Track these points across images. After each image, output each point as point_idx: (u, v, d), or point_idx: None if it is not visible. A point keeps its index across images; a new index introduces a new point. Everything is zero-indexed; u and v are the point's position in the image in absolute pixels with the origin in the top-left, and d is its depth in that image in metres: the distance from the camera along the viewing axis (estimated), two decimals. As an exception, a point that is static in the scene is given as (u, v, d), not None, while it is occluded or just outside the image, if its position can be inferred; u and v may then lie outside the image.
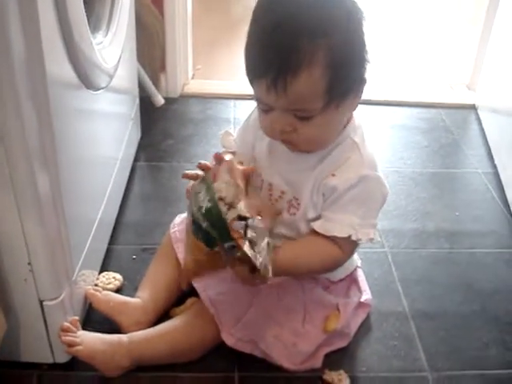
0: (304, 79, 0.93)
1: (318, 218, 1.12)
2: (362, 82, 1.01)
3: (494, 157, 1.98)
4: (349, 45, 0.96)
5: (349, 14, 0.95)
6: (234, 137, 1.26)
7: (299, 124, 1.00)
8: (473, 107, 2.33)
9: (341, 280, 1.27)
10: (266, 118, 1.03)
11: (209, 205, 0.99)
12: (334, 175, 1.08)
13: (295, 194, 1.13)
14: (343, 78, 0.97)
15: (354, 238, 1.07)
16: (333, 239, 1.08)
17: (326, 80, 0.94)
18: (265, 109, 1.02)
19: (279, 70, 0.93)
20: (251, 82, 1.00)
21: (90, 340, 1.14)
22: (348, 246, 1.10)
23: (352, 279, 1.30)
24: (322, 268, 1.14)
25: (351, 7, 0.96)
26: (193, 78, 2.41)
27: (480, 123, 2.21)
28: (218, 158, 1.09)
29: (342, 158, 1.08)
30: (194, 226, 1.01)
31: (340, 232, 1.07)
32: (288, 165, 1.13)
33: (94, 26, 1.27)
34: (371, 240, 1.10)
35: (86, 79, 1.14)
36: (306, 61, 0.92)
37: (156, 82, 2.19)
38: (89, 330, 1.17)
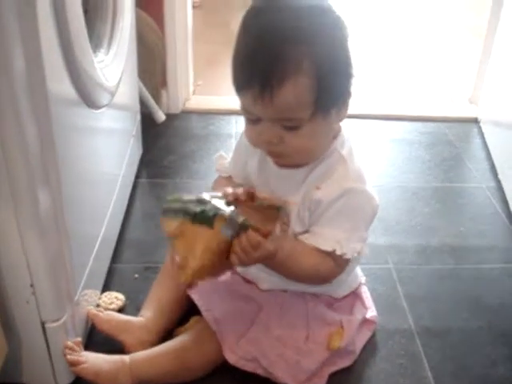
0: (290, 88, 0.94)
1: (305, 232, 1.11)
2: (348, 94, 1.03)
3: (498, 171, 1.97)
4: (333, 56, 0.97)
5: (333, 27, 0.98)
6: (228, 159, 1.26)
7: (286, 135, 1.00)
8: (475, 121, 2.32)
9: (345, 297, 1.26)
10: (253, 128, 1.03)
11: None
12: (318, 188, 1.08)
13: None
14: (329, 88, 0.97)
15: (338, 252, 1.06)
16: (324, 251, 1.07)
17: (312, 89, 0.95)
18: (252, 119, 1.02)
19: (265, 80, 0.94)
20: (238, 92, 1.00)
21: (94, 359, 1.13)
22: (338, 259, 1.08)
23: (356, 296, 1.28)
24: (313, 274, 1.10)
25: (336, 21, 0.99)
26: (194, 93, 2.41)
27: (483, 137, 2.21)
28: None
29: (328, 172, 1.08)
30: (191, 215, 0.98)
31: (323, 245, 1.06)
32: (278, 182, 1.13)
33: (96, 45, 1.27)
34: (359, 254, 1.09)
35: (87, 98, 1.14)
36: (292, 70, 0.93)
37: (157, 98, 2.19)
38: (91, 351, 1.16)
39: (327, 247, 1.06)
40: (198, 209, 0.98)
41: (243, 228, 0.97)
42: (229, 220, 0.97)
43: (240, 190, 1.04)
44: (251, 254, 0.98)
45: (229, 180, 1.24)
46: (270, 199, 1.05)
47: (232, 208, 0.99)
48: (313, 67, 0.94)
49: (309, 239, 1.08)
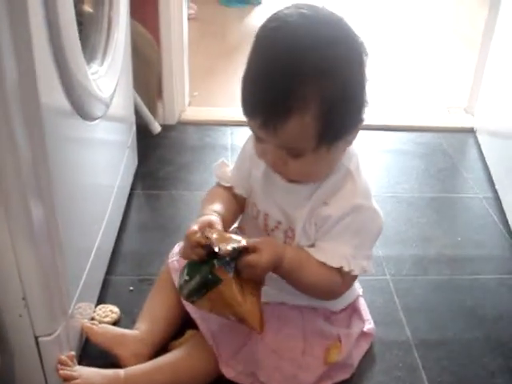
0: (294, 125, 0.92)
1: (311, 246, 1.10)
2: (359, 123, 1.00)
3: (495, 181, 1.96)
4: (345, 90, 0.94)
5: (350, 56, 0.94)
6: (230, 167, 1.24)
7: (290, 160, 0.99)
8: (471, 131, 2.32)
9: (342, 310, 1.25)
10: (260, 147, 1.02)
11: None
12: (326, 204, 1.07)
13: (290, 225, 1.12)
14: (335, 126, 0.96)
15: (346, 268, 1.05)
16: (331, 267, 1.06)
17: (317, 127, 0.93)
18: (257, 137, 1.01)
19: (269, 114, 0.93)
20: (244, 113, 0.99)
21: (88, 374, 1.11)
22: (345, 275, 1.08)
23: (353, 309, 1.27)
24: (322, 287, 1.10)
25: (354, 49, 0.95)
26: (189, 104, 2.41)
27: (479, 147, 2.21)
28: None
29: (336, 187, 1.07)
30: (202, 291, 1.02)
31: (331, 262, 1.06)
32: (284, 195, 1.12)
33: (90, 56, 1.26)
34: (365, 271, 1.08)
35: (81, 109, 1.13)
36: (298, 107, 0.91)
37: (153, 110, 2.19)
38: (85, 365, 1.15)
39: (335, 263, 1.05)
40: (198, 282, 1.00)
41: (235, 258, 0.99)
42: (224, 264, 0.99)
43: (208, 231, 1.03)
44: (255, 271, 1.00)
45: (227, 191, 1.22)
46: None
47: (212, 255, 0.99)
48: (321, 105, 0.92)
49: (316, 254, 1.07)
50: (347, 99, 0.95)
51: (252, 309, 1.02)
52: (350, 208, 1.05)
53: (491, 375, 1.27)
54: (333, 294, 1.14)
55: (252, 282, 1.03)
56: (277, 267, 1.03)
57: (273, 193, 1.13)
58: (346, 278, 1.09)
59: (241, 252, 0.99)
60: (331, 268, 1.06)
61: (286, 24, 0.93)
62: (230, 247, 0.98)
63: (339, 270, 1.06)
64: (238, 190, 1.21)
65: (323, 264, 1.06)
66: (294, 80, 0.90)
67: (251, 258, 0.99)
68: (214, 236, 1.00)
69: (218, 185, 1.24)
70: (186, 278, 1.02)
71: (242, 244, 0.99)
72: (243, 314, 1.02)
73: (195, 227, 1.02)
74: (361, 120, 1.00)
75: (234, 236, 1.02)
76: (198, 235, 1.01)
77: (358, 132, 1.02)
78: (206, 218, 1.07)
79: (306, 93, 0.91)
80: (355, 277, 1.11)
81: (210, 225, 1.04)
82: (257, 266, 0.99)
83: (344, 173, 1.08)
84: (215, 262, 0.98)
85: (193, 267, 1.02)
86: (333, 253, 1.06)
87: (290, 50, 0.91)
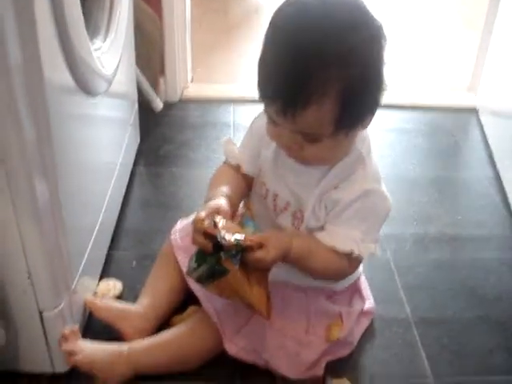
0: (313, 111, 0.92)
1: (320, 228, 1.11)
2: (376, 107, 0.99)
3: (496, 160, 1.96)
4: (365, 76, 0.93)
5: (370, 41, 0.92)
6: (237, 146, 1.24)
7: (306, 145, 0.99)
8: (474, 110, 2.31)
9: (344, 289, 1.26)
10: (274, 130, 1.01)
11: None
12: (337, 188, 1.07)
13: (300, 206, 1.12)
14: (354, 111, 0.95)
15: (356, 252, 1.06)
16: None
17: (335, 112, 0.93)
18: (272, 121, 1.00)
19: (288, 100, 0.92)
20: (260, 97, 0.98)
21: (90, 349, 1.13)
22: (352, 259, 1.08)
23: (355, 288, 1.28)
24: (331, 271, 1.11)
25: (374, 34, 0.93)
26: (192, 81, 2.40)
27: (481, 126, 2.20)
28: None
29: (347, 171, 1.07)
30: (209, 279, 1.03)
31: (342, 246, 1.06)
32: (294, 177, 1.11)
33: (93, 32, 1.26)
34: (373, 255, 1.09)
35: (84, 85, 1.13)
36: (318, 94, 0.90)
37: (155, 87, 2.18)
38: (89, 339, 1.16)
39: (345, 248, 1.06)
40: (205, 271, 1.02)
41: (240, 251, 0.99)
42: (230, 256, 0.99)
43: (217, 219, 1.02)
44: (262, 265, 1.01)
45: (235, 170, 1.21)
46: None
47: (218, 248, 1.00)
48: (340, 92, 0.91)
49: (326, 239, 1.07)
50: (366, 84, 0.94)
51: (259, 296, 1.03)
52: (360, 192, 1.05)
53: (489, 353, 1.28)
54: (340, 276, 1.15)
55: (259, 270, 1.03)
56: (284, 259, 1.03)
57: (283, 174, 1.13)
58: (353, 261, 1.09)
59: (243, 250, 0.99)
60: (339, 253, 1.07)
61: (304, 7, 0.91)
62: (234, 240, 0.97)
63: (347, 254, 1.07)
64: (246, 169, 1.20)
65: (331, 249, 1.07)
66: (314, 66, 0.89)
67: (258, 254, 0.99)
68: (221, 224, 1.00)
69: (226, 163, 1.24)
70: (195, 265, 1.03)
71: (248, 243, 0.98)
72: (250, 301, 1.03)
73: (203, 214, 1.02)
74: (378, 104, 0.99)
75: (244, 224, 1.04)
76: (207, 222, 1.00)
77: (374, 116, 1.01)
78: (214, 203, 1.06)
79: (325, 79, 0.90)
80: (361, 259, 1.11)
81: (219, 211, 1.04)
82: (264, 262, 1.00)
83: (356, 156, 1.07)
84: (222, 254, 0.99)
85: (201, 256, 1.02)
86: (343, 237, 1.06)
87: (310, 34, 0.89)
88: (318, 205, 1.09)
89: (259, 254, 0.99)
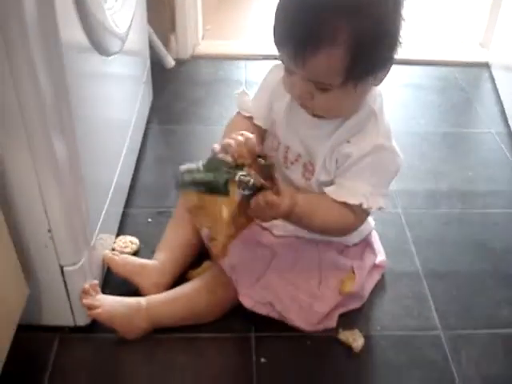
0: (323, 58, 0.93)
1: (330, 182, 1.12)
2: (389, 62, 1.00)
3: (508, 116, 1.96)
4: (379, 27, 0.93)
5: None
6: (250, 97, 1.24)
7: (317, 93, 1.00)
8: (486, 65, 2.30)
9: (355, 244, 1.28)
10: (289, 79, 1.03)
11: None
12: (348, 142, 1.08)
13: (310, 159, 1.13)
14: (363, 62, 0.95)
15: (365, 206, 1.07)
16: (347, 204, 1.08)
17: (345, 62, 0.93)
18: (287, 70, 1.02)
19: (300, 45, 0.93)
20: (275, 43, 0.99)
21: (110, 303, 1.16)
22: (360, 213, 1.10)
23: (366, 242, 1.31)
24: (334, 227, 1.13)
25: None
26: (203, 38, 2.39)
27: (493, 81, 2.19)
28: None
29: (359, 126, 1.08)
30: (205, 187, 1.00)
31: (352, 199, 1.07)
32: (306, 129, 1.13)
33: (106, -9, 1.26)
34: (380, 209, 1.10)
35: (98, 45, 1.14)
36: (328, 40, 0.91)
37: (166, 44, 2.18)
38: (108, 294, 1.19)
39: (355, 201, 1.07)
40: (209, 178, 0.99)
41: (254, 189, 0.98)
42: (240, 183, 0.98)
43: (244, 150, 1.02)
44: (268, 212, 1.01)
45: (248, 121, 1.21)
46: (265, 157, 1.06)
47: (239, 169, 0.99)
48: (350, 41, 0.91)
49: (336, 193, 1.09)
50: (378, 36, 0.94)
51: (229, 237, 1.03)
52: (371, 147, 1.06)
53: (497, 305, 1.31)
54: (347, 230, 1.16)
55: (248, 217, 1.04)
56: (290, 214, 1.04)
57: (296, 126, 1.14)
58: (360, 214, 1.11)
59: (260, 189, 0.99)
60: (345, 206, 1.08)
61: None
62: (252, 180, 0.98)
63: (355, 207, 1.08)
64: (258, 121, 1.20)
65: (336, 203, 1.08)
66: (327, 12, 0.90)
67: (275, 198, 1.00)
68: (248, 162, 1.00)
69: (239, 114, 1.24)
70: (200, 167, 1.00)
71: (268, 185, 0.99)
72: (220, 235, 1.02)
73: (240, 138, 1.03)
74: (391, 59, 1.00)
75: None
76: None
77: (387, 71, 1.01)
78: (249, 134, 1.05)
79: (337, 26, 0.90)
80: (369, 213, 1.13)
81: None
82: (275, 208, 1.01)
83: (368, 112, 1.08)
84: (239, 175, 0.97)
85: (213, 163, 1.00)
86: (353, 191, 1.07)
87: None
88: (329, 158, 1.10)
89: (276, 199, 1.00)
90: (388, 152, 1.09)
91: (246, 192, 0.98)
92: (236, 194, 0.98)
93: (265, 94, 1.20)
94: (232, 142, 1.02)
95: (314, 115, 1.07)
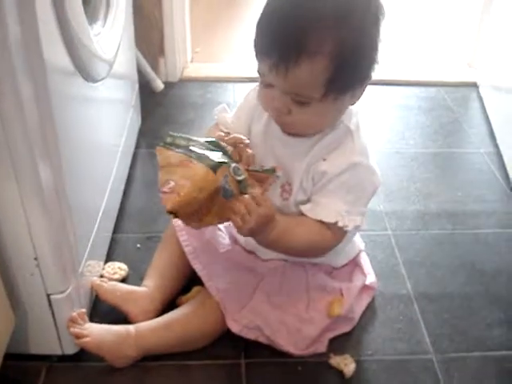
0: (305, 68, 0.93)
1: (306, 201, 1.12)
2: (367, 79, 1.01)
3: (496, 136, 1.97)
4: (359, 42, 0.94)
5: (367, 9, 0.94)
6: (230, 114, 1.24)
7: (295, 108, 1.00)
8: (474, 85, 2.31)
9: (344, 265, 1.28)
10: (265, 92, 1.02)
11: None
12: (324, 160, 1.08)
13: (288, 179, 1.13)
14: (345, 74, 0.96)
15: (340, 224, 1.07)
16: (323, 223, 1.08)
17: (327, 73, 0.94)
18: (265, 83, 1.01)
19: (283, 54, 0.93)
20: (256, 55, 0.99)
21: (97, 331, 1.15)
22: (336, 231, 1.09)
23: (355, 264, 1.30)
24: (311, 246, 1.11)
25: (374, 5, 0.95)
26: (192, 61, 2.40)
27: (481, 101, 2.21)
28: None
29: (335, 144, 1.08)
30: (198, 155, 0.98)
31: (327, 217, 1.07)
32: (283, 149, 1.13)
33: (92, 17, 1.26)
34: (357, 228, 1.10)
35: (85, 71, 1.14)
36: (311, 51, 0.92)
37: (155, 67, 2.19)
38: (96, 322, 1.18)
39: (330, 219, 1.07)
40: (205, 152, 0.98)
41: (242, 187, 0.98)
42: (232, 172, 0.98)
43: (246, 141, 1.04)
44: (255, 211, 0.99)
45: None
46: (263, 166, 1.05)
47: (235, 164, 0.99)
48: (334, 52, 0.92)
49: (312, 211, 1.09)
50: (360, 50, 0.96)
51: (187, 198, 0.96)
52: (347, 165, 1.06)
53: (489, 327, 1.30)
54: (324, 249, 1.15)
55: (217, 212, 1.00)
56: (268, 222, 1.03)
57: (272, 146, 1.14)
58: (337, 233, 1.10)
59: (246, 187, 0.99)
60: (319, 225, 1.08)
61: None
62: (244, 176, 0.99)
63: (329, 226, 1.08)
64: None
65: (314, 221, 1.08)
66: (311, 23, 0.91)
67: (264, 197, 1.00)
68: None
69: (216, 127, 1.22)
70: (198, 139, 1.01)
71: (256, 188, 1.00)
72: (185, 192, 0.95)
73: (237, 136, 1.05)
74: (369, 76, 1.01)
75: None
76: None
77: (364, 89, 1.02)
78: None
79: (321, 36, 0.91)
80: (346, 231, 1.11)
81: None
82: (260, 208, 0.99)
83: (344, 131, 1.08)
84: (234, 166, 0.98)
85: (213, 143, 1.01)
86: (328, 208, 1.07)
87: None
88: (306, 177, 1.10)
89: (264, 198, 1.00)
90: (364, 170, 1.08)
91: (231, 187, 0.97)
92: (222, 180, 0.97)
93: (245, 113, 1.20)
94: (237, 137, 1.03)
95: (289, 133, 1.08)
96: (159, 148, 1.03)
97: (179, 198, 0.95)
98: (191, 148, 0.99)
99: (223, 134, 1.06)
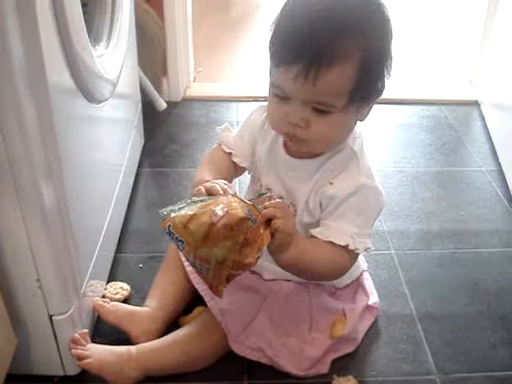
0: (336, 73, 0.94)
1: (314, 224, 1.12)
2: (379, 94, 1.02)
3: (498, 154, 1.97)
4: (380, 52, 0.97)
5: (385, 24, 0.98)
6: (233, 134, 1.24)
7: (314, 119, 0.99)
8: (476, 103, 2.32)
9: (347, 285, 1.28)
10: (280, 108, 1.01)
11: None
12: (332, 184, 1.08)
13: (292, 201, 1.13)
14: (369, 83, 0.98)
15: (351, 247, 1.07)
16: (335, 245, 1.07)
17: (354, 80, 0.95)
18: (282, 96, 1.00)
19: (314, 59, 0.93)
20: (277, 66, 0.98)
21: (100, 352, 1.15)
22: (349, 254, 1.09)
23: (358, 284, 1.30)
24: (329, 268, 1.10)
25: (388, 19, 0.98)
26: (194, 80, 2.42)
27: (483, 120, 2.21)
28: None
29: (340, 167, 1.08)
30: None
31: (338, 240, 1.06)
32: (287, 171, 1.13)
33: (95, 38, 1.27)
34: (368, 250, 1.10)
35: (88, 92, 1.15)
36: (342, 56, 0.93)
37: (158, 87, 2.19)
38: (98, 342, 1.18)
39: (341, 242, 1.06)
40: (202, 198, 0.97)
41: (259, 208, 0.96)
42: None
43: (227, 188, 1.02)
44: (288, 212, 0.99)
45: (227, 156, 1.21)
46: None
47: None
48: (361, 59, 0.94)
49: (322, 234, 1.08)
50: (380, 63, 0.98)
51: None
52: (354, 187, 1.06)
53: (493, 347, 1.30)
54: (342, 271, 1.14)
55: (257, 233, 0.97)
56: (288, 247, 1.00)
57: (277, 168, 1.14)
58: (350, 256, 1.10)
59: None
60: (336, 248, 1.07)
61: None
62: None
63: (344, 248, 1.08)
64: (236, 159, 1.20)
65: (328, 245, 1.07)
66: (339, 31, 0.93)
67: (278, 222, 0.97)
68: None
69: (219, 147, 1.23)
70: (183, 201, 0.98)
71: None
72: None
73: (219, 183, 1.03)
74: (382, 90, 1.02)
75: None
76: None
77: (372, 106, 1.04)
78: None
79: (348, 43, 0.93)
80: (357, 255, 1.12)
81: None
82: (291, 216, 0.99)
83: (349, 153, 1.09)
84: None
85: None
86: (339, 232, 1.07)
87: (341, 3, 0.94)
88: (313, 200, 1.10)
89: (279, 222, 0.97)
90: (371, 191, 1.08)
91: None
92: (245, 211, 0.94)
93: (247, 132, 1.21)
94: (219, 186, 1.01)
95: (294, 156, 1.09)
96: (166, 221, 0.99)
97: (234, 211, 0.93)
98: (189, 201, 0.97)
99: (203, 190, 1.01)
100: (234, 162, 1.21)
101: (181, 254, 0.98)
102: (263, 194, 1.08)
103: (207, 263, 0.94)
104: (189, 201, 0.98)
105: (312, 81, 0.94)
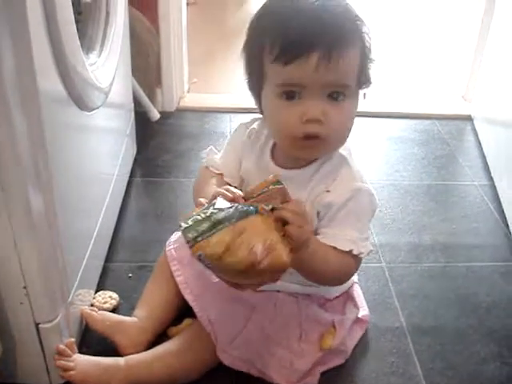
0: (352, 54, 0.98)
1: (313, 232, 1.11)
2: (371, 80, 1.06)
3: (491, 168, 1.98)
4: (369, 44, 1.03)
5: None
6: (218, 156, 1.23)
7: (330, 108, 0.98)
8: (469, 118, 2.33)
9: (337, 297, 1.27)
10: (294, 109, 0.99)
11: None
12: (328, 191, 1.07)
13: None
14: (367, 65, 1.03)
15: (355, 252, 1.06)
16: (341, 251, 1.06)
17: (360, 61, 1.01)
18: (293, 95, 0.99)
19: (335, 42, 0.95)
20: (287, 64, 0.96)
21: (85, 365, 1.13)
22: (355, 259, 1.08)
23: (348, 296, 1.29)
24: (337, 271, 1.08)
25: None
26: (188, 91, 2.42)
27: (476, 134, 2.22)
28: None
29: (332, 173, 1.08)
30: (235, 217, 0.90)
31: (342, 246, 1.06)
32: None
33: (88, 46, 1.27)
34: (370, 253, 1.10)
35: (80, 100, 1.14)
36: (351, 38, 0.98)
37: (152, 97, 2.20)
38: (85, 351, 1.17)
39: (345, 247, 1.06)
40: (224, 212, 0.91)
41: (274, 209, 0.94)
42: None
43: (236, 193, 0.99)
44: (304, 220, 0.97)
45: (219, 177, 1.19)
46: (257, 187, 0.99)
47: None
48: (363, 42, 1.01)
49: (325, 240, 1.07)
50: (370, 46, 1.03)
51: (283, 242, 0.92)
52: (351, 192, 1.06)
53: (483, 361, 1.29)
54: (348, 275, 1.14)
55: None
56: (305, 244, 0.98)
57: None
58: (355, 261, 1.09)
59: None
60: (343, 253, 1.06)
61: None
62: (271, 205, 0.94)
63: (349, 253, 1.06)
64: (227, 178, 1.19)
65: (334, 249, 1.05)
66: (346, 20, 0.98)
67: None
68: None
69: (207, 170, 1.21)
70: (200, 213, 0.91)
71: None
72: (277, 242, 0.90)
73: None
74: (371, 81, 1.06)
75: None
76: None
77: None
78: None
79: (356, 28, 1.00)
80: (361, 259, 1.10)
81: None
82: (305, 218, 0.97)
83: (338, 158, 1.09)
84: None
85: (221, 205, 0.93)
86: (341, 238, 1.06)
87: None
88: (309, 210, 1.09)
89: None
90: (366, 194, 1.08)
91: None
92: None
93: (234, 150, 1.20)
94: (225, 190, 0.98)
95: (282, 167, 1.09)
96: (195, 248, 0.90)
97: (282, 249, 0.91)
98: (212, 219, 0.90)
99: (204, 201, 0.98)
100: (226, 182, 1.19)
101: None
102: (273, 183, 0.98)
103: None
104: (207, 212, 0.91)
105: (335, 62, 0.95)
